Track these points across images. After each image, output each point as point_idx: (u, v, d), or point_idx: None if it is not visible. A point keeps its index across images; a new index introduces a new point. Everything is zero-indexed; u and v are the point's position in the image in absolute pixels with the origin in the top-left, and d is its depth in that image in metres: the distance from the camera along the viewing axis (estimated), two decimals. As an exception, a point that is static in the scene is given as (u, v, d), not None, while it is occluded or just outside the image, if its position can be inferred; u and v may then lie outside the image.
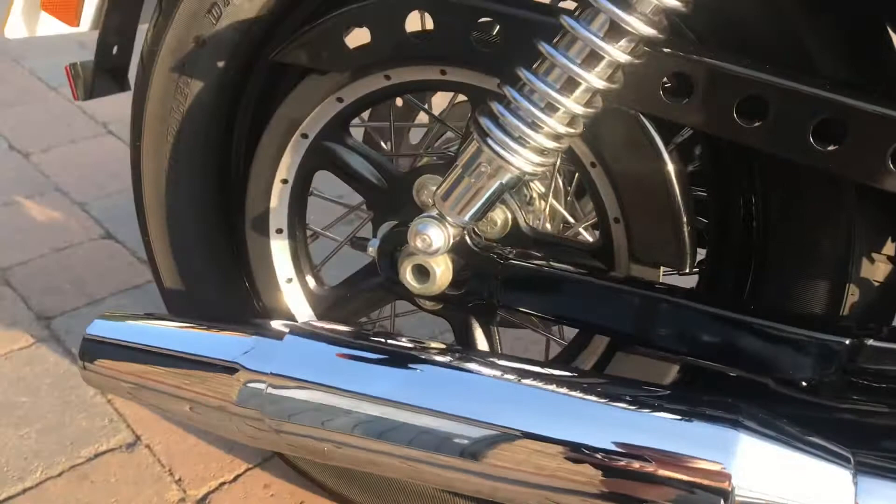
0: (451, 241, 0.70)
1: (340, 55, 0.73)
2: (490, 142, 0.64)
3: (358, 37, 0.74)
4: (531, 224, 0.77)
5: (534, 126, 0.64)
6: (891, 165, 0.62)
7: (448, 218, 0.69)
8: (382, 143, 0.97)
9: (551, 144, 0.65)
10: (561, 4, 0.79)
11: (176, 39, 0.84)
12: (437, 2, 0.69)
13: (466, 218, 0.69)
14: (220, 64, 0.84)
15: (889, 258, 0.74)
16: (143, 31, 0.92)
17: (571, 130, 0.65)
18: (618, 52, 0.60)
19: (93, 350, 0.74)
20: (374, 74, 0.75)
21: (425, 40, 0.71)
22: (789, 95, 0.63)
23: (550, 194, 0.82)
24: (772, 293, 0.73)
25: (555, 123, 0.64)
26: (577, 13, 0.61)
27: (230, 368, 0.69)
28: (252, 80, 0.85)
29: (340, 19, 0.73)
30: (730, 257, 0.75)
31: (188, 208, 0.88)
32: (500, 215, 0.76)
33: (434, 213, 0.70)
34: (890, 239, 0.73)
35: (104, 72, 0.95)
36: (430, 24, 0.72)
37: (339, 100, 0.78)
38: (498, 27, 0.70)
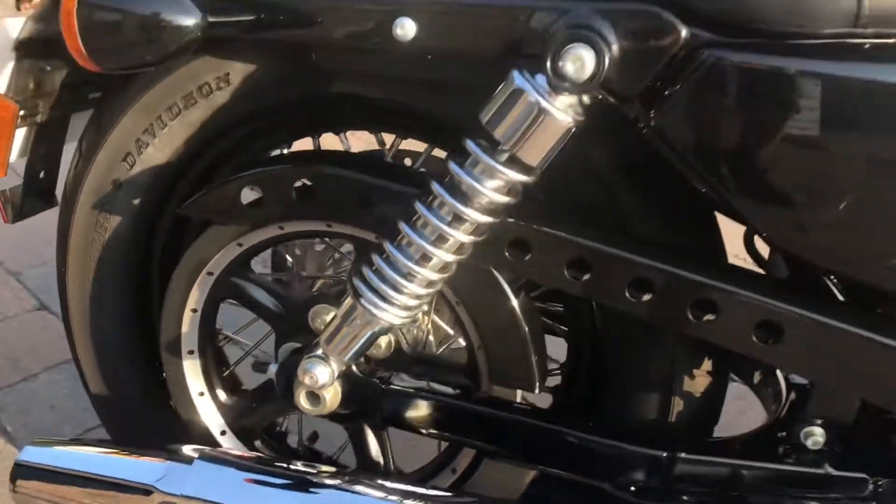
0: (336, 375, 0.82)
1: (238, 212, 0.85)
2: (363, 301, 0.76)
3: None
4: (413, 344, 0.90)
5: (408, 277, 0.76)
6: (690, 317, 0.76)
7: (332, 358, 0.81)
8: (289, 260, 1.08)
9: (423, 291, 0.77)
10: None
11: (95, 181, 0.95)
12: (317, 174, 0.81)
13: (347, 358, 0.81)
14: (136, 202, 0.95)
15: (708, 372, 0.88)
16: (69, 149, 1.02)
17: (442, 276, 0.77)
18: (460, 235, 0.73)
19: (23, 474, 0.84)
20: (269, 226, 0.87)
21: (310, 202, 0.83)
22: (607, 258, 0.77)
23: (432, 313, 0.94)
24: (611, 408, 0.87)
25: (427, 272, 0.76)
26: (426, 199, 0.74)
27: (146, 491, 0.80)
28: (164, 217, 0.96)
29: (237, 182, 0.84)
30: (578, 380, 0.89)
31: (111, 328, 0.99)
32: (384, 339, 0.89)
33: (320, 352, 0.82)
34: (707, 356, 0.87)
35: (32, 194, 1.04)
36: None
37: (240, 245, 0.89)
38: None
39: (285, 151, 1.01)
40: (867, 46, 0.64)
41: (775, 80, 0.65)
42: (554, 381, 0.98)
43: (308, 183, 0.82)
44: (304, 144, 0.98)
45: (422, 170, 0.99)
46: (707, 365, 0.87)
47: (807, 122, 0.65)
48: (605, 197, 0.80)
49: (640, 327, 0.83)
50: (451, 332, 0.96)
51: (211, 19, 0.73)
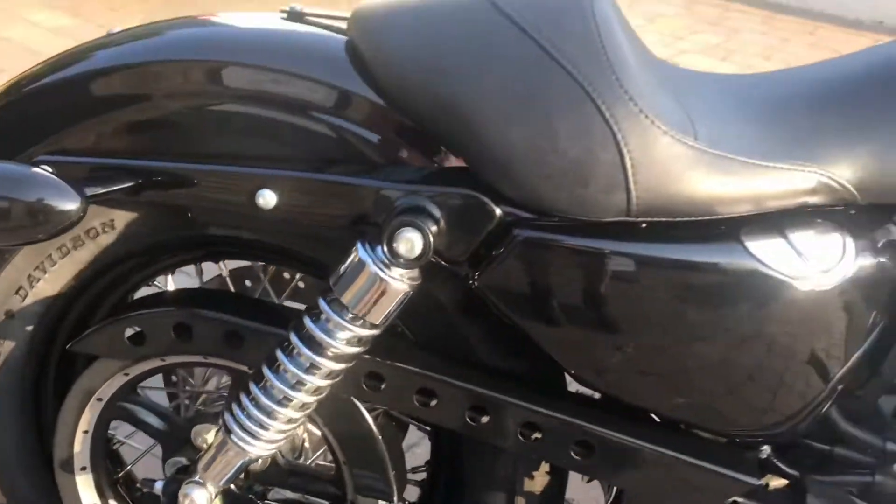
0: (213, 497, 0.92)
1: (122, 349, 0.94)
2: (233, 437, 0.87)
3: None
4: (288, 459, 1.00)
5: (271, 415, 0.86)
6: (520, 437, 0.89)
7: (208, 482, 0.91)
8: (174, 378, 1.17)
9: (287, 427, 0.88)
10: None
11: (-11, 311, 1.02)
12: (193, 314, 0.91)
13: (221, 483, 0.91)
14: (28, 330, 1.02)
15: (547, 472, 1.01)
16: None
17: (305, 412, 0.88)
18: (316, 380, 0.84)
19: None
20: (152, 358, 0.96)
21: (186, 340, 0.93)
22: (449, 388, 0.89)
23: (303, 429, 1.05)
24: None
25: (289, 412, 0.87)
26: (286, 347, 0.84)
27: None
28: (56, 345, 1.04)
29: (121, 323, 0.93)
30: (439, 477, 1.01)
31: (9, 445, 1.06)
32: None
33: (198, 477, 0.91)
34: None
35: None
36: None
37: (126, 374, 0.98)
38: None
39: (170, 277, 1.10)
40: (643, 226, 0.78)
41: (571, 253, 0.79)
42: (421, 476, 1.10)
43: (185, 323, 0.92)
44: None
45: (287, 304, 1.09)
46: (545, 466, 1.00)
47: (593, 287, 0.79)
48: (451, 332, 0.92)
49: (483, 452, 0.96)
50: (321, 448, 1.07)
51: (90, 193, 0.82)
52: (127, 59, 0.90)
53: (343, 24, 0.89)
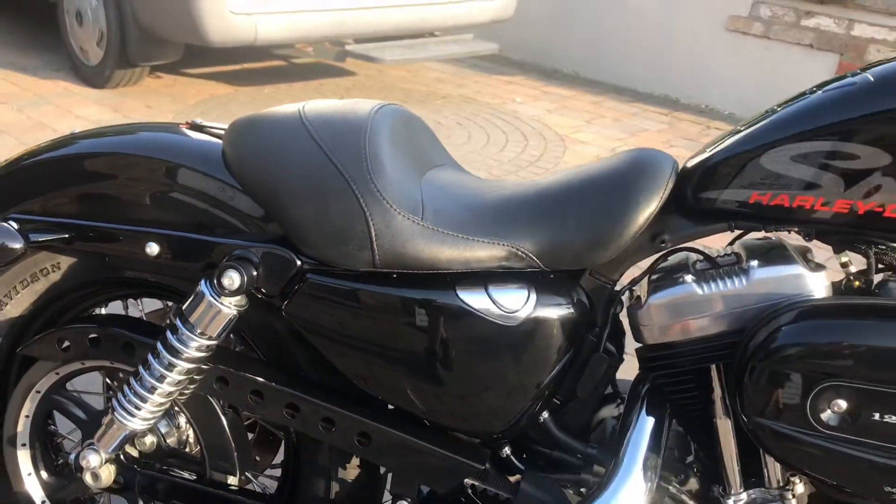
0: (104, 461, 1.28)
1: (54, 353, 1.33)
2: (116, 415, 1.24)
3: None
4: (166, 443, 1.36)
5: (143, 400, 1.23)
6: (320, 429, 1.24)
7: (101, 449, 1.27)
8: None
9: (157, 409, 1.24)
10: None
11: (-32, 328, 1.42)
12: (102, 330, 1.30)
13: (110, 450, 1.27)
14: (-1, 341, 1.42)
15: (358, 466, 1.35)
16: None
17: (168, 400, 1.24)
18: (175, 376, 1.20)
19: None
20: (74, 362, 1.35)
21: (97, 348, 1.31)
22: (271, 390, 1.24)
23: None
24: (303, 492, 1.34)
25: (157, 397, 1.23)
26: (154, 352, 1.21)
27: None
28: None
29: (53, 335, 1.32)
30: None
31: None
32: (149, 439, 1.35)
33: (94, 445, 1.28)
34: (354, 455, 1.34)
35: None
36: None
37: (57, 373, 1.36)
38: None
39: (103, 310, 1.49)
40: (394, 276, 1.15)
41: (340, 292, 1.16)
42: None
43: (96, 336, 1.30)
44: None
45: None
46: (356, 461, 1.34)
47: (354, 317, 1.16)
48: (283, 349, 1.29)
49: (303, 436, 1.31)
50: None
51: (33, 239, 1.22)
52: (75, 151, 1.32)
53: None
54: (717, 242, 1.25)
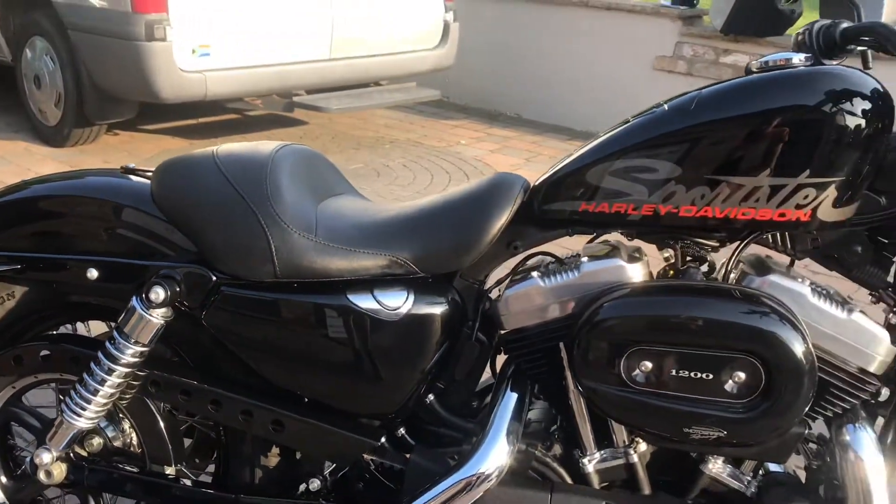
0: (55, 459, 1.49)
1: (9, 367, 1.54)
2: (64, 416, 1.45)
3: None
4: (113, 443, 1.57)
5: (88, 402, 1.44)
6: (241, 420, 1.46)
7: (52, 448, 1.48)
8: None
9: (100, 409, 1.45)
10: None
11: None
12: (53, 346, 1.52)
13: (60, 448, 1.48)
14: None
15: (277, 454, 1.57)
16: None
17: (109, 401, 1.46)
18: (114, 379, 1.42)
19: None
20: (28, 376, 1.56)
21: (49, 362, 1.52)
22: (197, 389, 1.46)
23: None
24: (232, 473, 1.55)
25: (100, 399, 1.44)
26: (97, 361, 1.43)
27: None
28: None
29: (9, 351, 1.53)
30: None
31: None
32: (97, 440, 1.55)
33: (46, 445, 1.48)
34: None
35: None
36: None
37: (13, 387, 1.57)
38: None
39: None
40: (295, 285, 1.39)
41: (248, 300, 1.39)
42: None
43: (48, 352, 1.52)
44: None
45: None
46: (276, 449, 1.56)
47: (261, 320, 1.39)
48: (208, 354, 1.51)
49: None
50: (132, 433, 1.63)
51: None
52: (25, 195, 1.55)
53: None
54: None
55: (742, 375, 1.22)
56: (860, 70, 1.30)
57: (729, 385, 1.23)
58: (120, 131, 5.23)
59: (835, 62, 1.37)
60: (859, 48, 1.39)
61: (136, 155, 4.81)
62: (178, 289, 1.39)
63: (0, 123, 5.30)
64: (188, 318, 1.44)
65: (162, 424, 1.52)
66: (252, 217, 1.37)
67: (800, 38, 1.39)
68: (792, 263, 1.42)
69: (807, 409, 1.24)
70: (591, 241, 1.49)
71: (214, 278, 1.40)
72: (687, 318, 1.24)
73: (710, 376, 1.23)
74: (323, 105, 4.91)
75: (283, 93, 4.96)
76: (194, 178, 1.43)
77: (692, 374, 1.23)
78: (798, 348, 1.20)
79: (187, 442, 1.66)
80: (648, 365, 1.25)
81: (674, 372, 1.24)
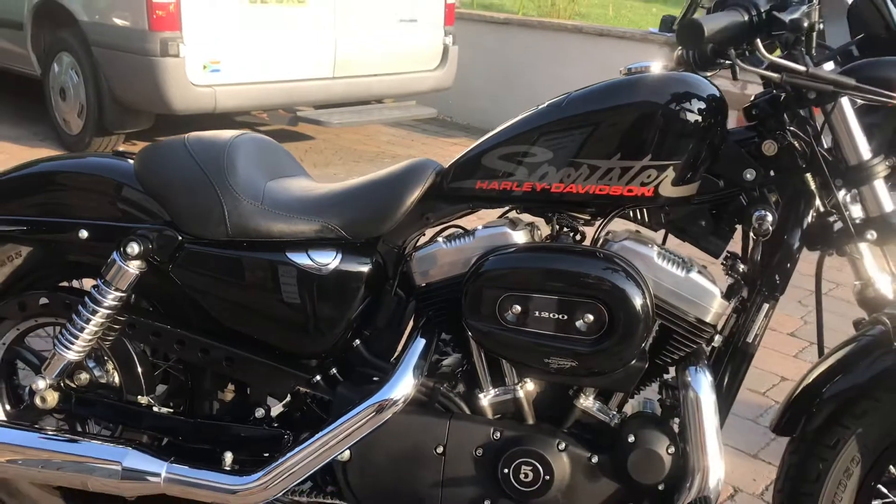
0: (48, 385, 1.80)
1: (13, 312, 1.86)
2: (57, 348, 1.77)
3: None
4: (98, 377, 1.88)
5: (77, 337, 1.76)
6: (199, 356, 1.77)
7: (47, 376, 1.80)
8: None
9: (86, 344, 1.77)
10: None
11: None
12: (49, 294, 1.84)
13: (53, 377, 1.80)
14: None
15: (232, 390, 1.88)
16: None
17: (94, 338, 1.78)
18: (98, 318, 1.74)
19: None
20: (30, 319, 1.88)
21: (47, 307, 1.84)
22: (165, 330, 1.78)
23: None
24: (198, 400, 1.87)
25: (86, 335, 1.76)
26: (85, 303, 1.75)
27: None
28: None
29: (14, 298, 1.86)
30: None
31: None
32: (84, 375, 1.87)
33: (42, 374, 1.80)
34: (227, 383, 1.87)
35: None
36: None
37: (17, 329, 1.90)
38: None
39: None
40: (244, 244, 1.70)
41: (206, 256, 1.71)
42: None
43: (46, 300, 1.85)
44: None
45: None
46: (231, 386, 1.87)
47: (217, 271, 1.71)
48: (176, 301, 1.82)
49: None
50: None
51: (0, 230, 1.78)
52: (34, 170, 1.88)
53: (137, 157, 1.87)
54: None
55: (590, 317, 1.51)
56: (703, 76, 1.60)
57: (580, 324, 1.52)
58: (137, 141, 5.61)
59: (708, 73, 1.68)
60: (727, 62, 1.69)
61: (151, 162, 5.17)
62: (150, 245, 1.71)
63: (28, 132, 5.72)
64: (159, 272, 1.76)
65: (137, 362, 1.83)
66: (210, 187, 1.69)
67: (679, 52, 1.70)
68: (664, 240, 1.72)
69: (642, 346, 1.53)
70: (499, 217, 1.79)
71: (180, 238, 1.72)
72: (546, 270, 1.54)
73: (565, 317, 1.52)
74: (325, 119, 5.27)
75: (289, 108, 5.33)
76: (168, 157, 1.76)
77: (550, 315, 1.53)
78: (636, 298, 1.50)
79: (163, 388, 1.97)
80: (518, 308, 1.55)
81: (537, 313, 1.54)
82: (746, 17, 1.42)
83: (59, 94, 5.34)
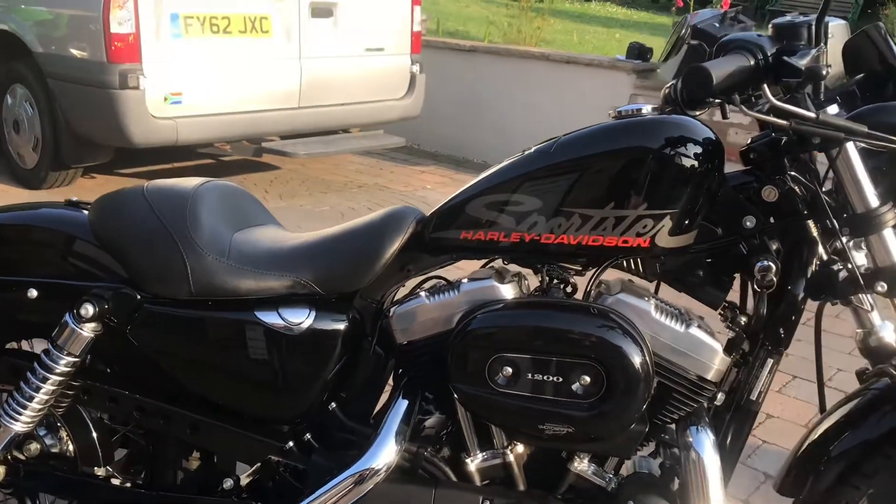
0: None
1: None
2: (3, 420, 1.62)
3: None
4: (53, 450, 1.73)
5: (25, 409, 1.61)
6: (161, 424, 1.63)
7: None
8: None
9: (34, 415, 1.62)
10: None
11: None
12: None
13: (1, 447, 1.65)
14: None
15: (198, 458, 1.73)
16: None
17: (43, 408, 1.63)
18: (48, 387, 1.60)
19: None
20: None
21: (-7, 374, 1.70)
22: (123, 396, 1.64)
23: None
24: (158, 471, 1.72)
25: (35, 405, 1.61)
26: (34, 370, 1.60)
27: None
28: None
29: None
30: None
31: None
32: (34, 445, 1.72)
33: (-11, 448, 1.65)
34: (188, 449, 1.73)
35: None
36: None
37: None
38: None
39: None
40: (209, 303, 1.57)
41: (167, 316, 1.58)
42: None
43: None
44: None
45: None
46: (197, 453, 1.73)
47: (177, 332, 1.57)
48: (135, 364, 1.68)
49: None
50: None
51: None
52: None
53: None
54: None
55: (587, 379, 1.41)
56: (698, 119, 1.51)
57: (575, 387, 1.41)
58: (97, 174, 5.43)
59: (696, 113, 1.59)
60: (717, 101, 1.60)
61: (110, 197, 5.00)
62: (106, 306, 1.58)
63: (-20, 167, 5.51)
64: (116, 333, 1.62)
65: (93, 429, 1.69)
66: (172, 243, 1.56)
67: (666, 91, 1.61)
68: (657, 289, 1.62)
69: (643, 409, 1.42)
70: (483, 266, 1.68)
71: (139, 297, 1.59)
72: (538, 329, 1.43)
73: (560, 379, 1.42)
74: (290, 150, 5.14)
75: (254, 139, 5.19)
76: (125, 209, 1.63)
77: (544, 378, 1.42)
78: (635, 358, 1.39)
79: (122, 453, 1.83)
80: (509, 370, 1.44)
81: (529, 376, 1.42)
82: (753, 62, 1.33)
83: (13, 126, 5.15)
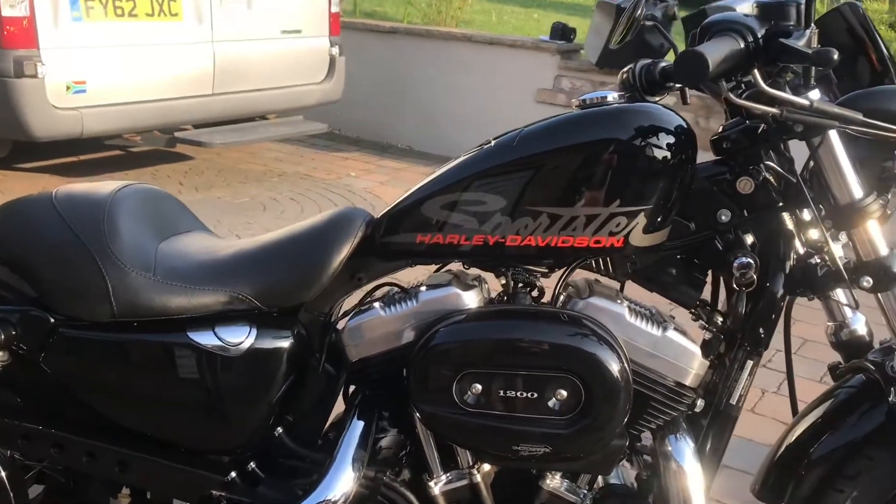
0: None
1: None
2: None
3: None
4: None
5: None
6: (84, 461, 1.44)
7: None
8: None
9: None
10: None
11: None
12: None
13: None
14: None
15: (128, 494, 1.55)
16: None
17: None
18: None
19: None
20: None
21: None
22: (37, 432, 1.44)
23: None
24: None
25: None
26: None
27: None
28: None
29: None
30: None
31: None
32: None
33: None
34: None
35: None
36: None
37: None
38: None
39: None
40: (134, 324, 1.39)
41: (86, 340, 1.39)
42: None
43: None
44: None
45: None
46: (126, 490, 1.54)
47: (97, 358, 1.39)
48: (50, 395, 1.49)
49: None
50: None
51: None
52: None
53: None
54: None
55: (563, 393, 1.29)
56: (667, 107, 1.40)
57: (552, 402, 1.30)
58: (-8, 170, 5.05)
59: (656, 99, 1.48)
60: (677, 85, 1.49)
61: (10, 195, 4.64)
62: (13, 332, 1.38)
63: None
64: (27, 361, 1.42)
65: (1, 468, 1.48)
66: (88, 257, 1.37)
67: (624, 76, 1.49)
68: (622, 287, 1.52)
69: (624, 422, 1.32)
70: (437, 270, 1.54)
71: (52, 320, 1.39)
72: (509, 341, 1.31)
73: (535, 395, 1.30)
74: (206, 140, 4.88)
75: (165, 129, 4.90)
76: (31, 220, 1.43)
77: (518, 394, 1.30)
78: (613, 367, 1.28)
79: (39, 488, 1.63)
80: (478, 387, 1.31)
81: (501, 392, 1.30)
82: (743, 45, 1.22)
83: None
